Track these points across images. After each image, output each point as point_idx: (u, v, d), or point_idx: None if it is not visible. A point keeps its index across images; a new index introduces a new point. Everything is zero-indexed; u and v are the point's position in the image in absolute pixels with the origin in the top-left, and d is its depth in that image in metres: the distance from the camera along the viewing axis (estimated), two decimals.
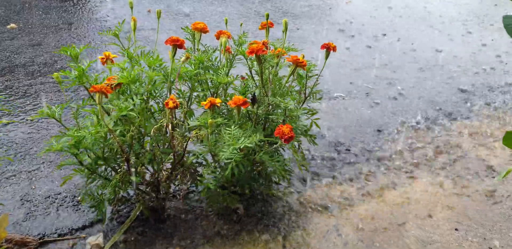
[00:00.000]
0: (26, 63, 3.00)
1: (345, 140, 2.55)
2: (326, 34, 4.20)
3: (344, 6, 5.30)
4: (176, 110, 1.59)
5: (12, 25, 3.50)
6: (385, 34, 4.38)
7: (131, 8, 1.67)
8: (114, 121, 1.56)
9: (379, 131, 2.66)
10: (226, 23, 1.97)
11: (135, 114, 1.40)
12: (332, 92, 3.09)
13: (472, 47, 4.15)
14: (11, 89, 2.66)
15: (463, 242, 1.86)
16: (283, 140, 1.42)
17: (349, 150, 2.47)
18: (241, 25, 2.06)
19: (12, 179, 1.98)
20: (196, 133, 1.41)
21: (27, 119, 2.40)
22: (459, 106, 3.02)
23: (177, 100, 1.41)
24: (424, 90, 3.22)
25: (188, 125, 1.51)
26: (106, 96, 1.31)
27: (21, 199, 1.88)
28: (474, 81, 3.40)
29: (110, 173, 1.63)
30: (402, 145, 2.54)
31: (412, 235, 1.88)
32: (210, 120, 1.37)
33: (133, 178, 1.54)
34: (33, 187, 1.94)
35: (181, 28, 1.82)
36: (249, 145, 1.40)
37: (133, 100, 1.40)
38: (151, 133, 1.40)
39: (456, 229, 1.92)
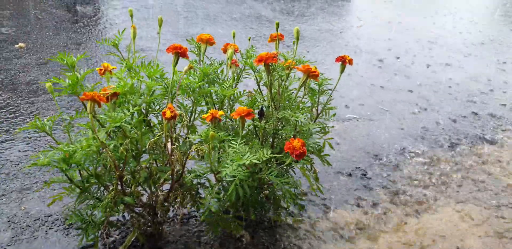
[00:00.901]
0: (30, 81, 2.92)
1: (360, 164, 2.39)
2: (336, 55, 4.11)
3: (355, 30, 5.24)
4: (177, 126, 1.47)
5: (21, 44, 3.46)
6: (398, 57, 4.28)
7: (131, 16, 1.57)
8: (108, 135, 1.44)
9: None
10: (233, 37, 1.87)
11: (130, 126, 1.26)
12: (345, 114, 2.95)
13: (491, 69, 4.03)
14: (12, 107, 2.57)
15: None
16: (294, 155, 1.27)
17: (365, 175, 2.30)
18: (249, 39, 1.95)
19: (2, 198, 1.84)
20: (197, 148, 1.27)
21: (26, 137, 2.29)
22: (486, 130, 2.86)
23: (177, 112, 1.28)
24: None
25: (188, 139, 1.38)
26: (99, 105, 1.19)
27: (8, 221, 1.73)
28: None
29: (102, 193, 1.48)
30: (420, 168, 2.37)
31: None
32: (212, 132, 1.23)
33: (127, 199, 1.40)
34: (23, 208, 1.80)
35: (186, 40, 1.71)
36: (255, 161, 1.26)
37: (129, 111, 1.28)
38: (147, 147, 1.26)
39: None
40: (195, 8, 5.39)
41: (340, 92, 3.23)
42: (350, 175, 2.28)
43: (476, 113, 3.12)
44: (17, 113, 2.50)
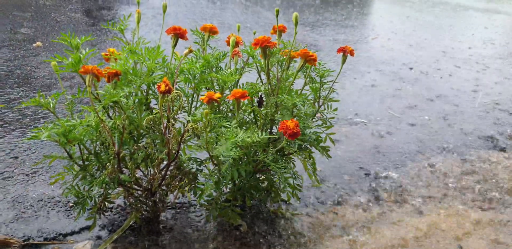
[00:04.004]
0: (44, 76, 3.02)
1: (364, 164, 2.39)
2: (348, 65, 4.12)
3: (370, 42, 5.26)
4: (174, 106, 1.50)
5: (38, 43, 3.58)
6: (412, 68, 4.27)
7: (138, 3, 1.63)
8: (109, 116, 1.48)
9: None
10: (238, 30, 1.91)
11: (127, 103, 1.31)
12: (355, 118, 2.95)
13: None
14: (25, 98, 2.65)
15: None
16: (287, 135, 1.29)
17: (368, 174, 2.29)
18: (254, 33, 2.00)
19: (8, 180, 1.90)
20: (192, 126, 1.31)
21: (35, 126, 2.36)
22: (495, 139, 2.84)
23: (175, 91, 1.32)
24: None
25: (185, 119, 1.41)
26: (98, 80, 1.23)
27: (13, 200, 1.78)
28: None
29: (101, 171, 1.52)
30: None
31: None
32: (206, 110, 1.27)
33: (123, 176, 1.43)
34: (27, 190, 1.85)
35: (191, 30, 1.76)
36: (248, 140, 1.28)
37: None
38: (144, 124, 1.30)
39: None
40: (210, 17, 5.50)
41: (351, 99, 3.24)
42: (353, 174, 2.28)
43: (499, 135, 3.10)
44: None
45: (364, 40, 5.27)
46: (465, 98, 3.48)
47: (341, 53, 1.65)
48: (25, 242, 1.58)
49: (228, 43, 1.72)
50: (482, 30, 6.40)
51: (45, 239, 1.61)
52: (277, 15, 1.58)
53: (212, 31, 1.70)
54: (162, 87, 1.21)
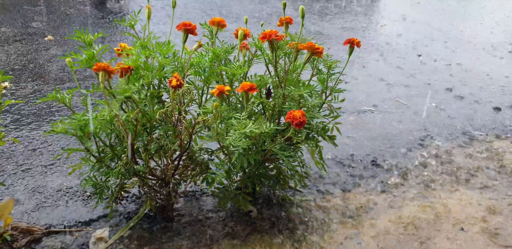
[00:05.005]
0: (57, 70, 3.09)
1: (371, 151, 2.44)
2: (357, 53, 4.13)
3: (378, 29, 5.24)
4: (185, 100, 1.56)
5: (50, 37, 3.65)
6: (420, 55, 4.27)
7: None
8: (123, 110, 1.54)
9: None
10: (246, 22, 1.95)
11: (140, 98, 1.36)
12: (362, 106, 2.99)
13: None
14: (39, 93, 2.73)
15: None
16: (294, 124, 1.34)
17: (375, 161, 2.34)
18: (261, 25, 2.03)
19: (28, 171, 1.99)
20: (203, 119, 1.36)
21: (51, 120, 2.44)
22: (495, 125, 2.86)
23: (185, 85, 1.37)
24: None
25: (196, 112, 1.47)
26: (109, 76, 1.29)
27: (33, 191, 1.87)
28: None
29: (116, 163, 1.59)
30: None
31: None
32: (216, 103, 1.32)
33: (138, 167, 1.50)
34: (46, 181, 1.93)
35: (200, 24, 1.81)
36: (256, 131, 1.33)
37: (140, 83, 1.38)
38: (157, 117, 1.36)
39: None
40: (219, 7, 5.51)
41: (358, 87, 3.27)
42: (360, 161, 2.32)
43: (499, 109, 3.12)
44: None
45: (374, 27, 5.25)
46: (474, 85, 3.49)
47: (348, 45, 1.69)
48: (47, 230, 1.67)
49: (237, 36, 1.76)
50: (496, 15, 6.33)
51: (66, 226, 1.70)
52: (284, 8, 1.61)
53: (220, 25, 1.74)
54: (173, 82, 1.27)
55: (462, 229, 1.85)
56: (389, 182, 2.14)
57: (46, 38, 3.65)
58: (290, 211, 1.90)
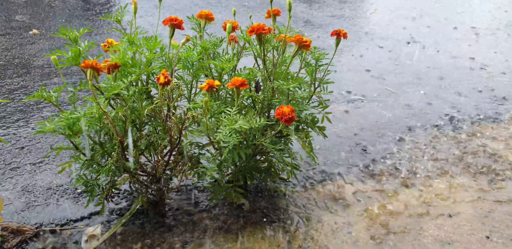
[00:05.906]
0: (43, 65, 3.04)
1: (361, 140, 2.45)
2: (345, 42, 4.12)
3: (368, 16, 5.22)
4: (173, 95, 1.54)
5: (35, 31, 3.59)
6: (409, 42, 4.26)
7: None
8: (111, 106, 1.53)
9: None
10: (234, 14, 1.93)
11: (129, 94, 1.35)
12: (352, 96, 2.99)
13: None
14: (25, 89, 2.69)
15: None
16: (283, 120, 1.34)
17: (365, 150, 2.36)
18: (250, 17, 2.01)
19: (16, 170, 1.97)
20: (192, 114, 1.35)
21: (39, 117, 2.41)
22: (491, 111, 2.88)
23: (174, 81, 1.36)
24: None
25: (185, 107, 1.46)
26: (98, 74, 1.27)
27: (22, 190, 1.85)
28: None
29: (106, 160, 1.58)
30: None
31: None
32: (206, 98, 1.31)
33: (128, 164, 1.49)
34: (36, 179, 1.92)
35: (187, 17, 1.78)
36: (245, 126, 1.33)
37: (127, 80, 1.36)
38: (145, 113, 1.35)
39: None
40: None
41: (346, 76, 3.27)
42: (350, 150, 2.34)
43: (481, 91, 3.14)
44: (30, 94, 2.62)
45: (363, 15, 5.23)
46: (461, 74, 3.51)
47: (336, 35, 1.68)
48: (38, 229, 1.66)
49: (225, 29, 1.74)
50: (486, 2, 6.33)
51: (57, 225, 1.69)
52: (271, 1, 1.60)
53: (208, 18, 1.72)
54: (161, 79, 1.25)
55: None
56: (379, 170, 2.16)
57: (31, 32, 3.59)
58: (281, 202, 1.91)
